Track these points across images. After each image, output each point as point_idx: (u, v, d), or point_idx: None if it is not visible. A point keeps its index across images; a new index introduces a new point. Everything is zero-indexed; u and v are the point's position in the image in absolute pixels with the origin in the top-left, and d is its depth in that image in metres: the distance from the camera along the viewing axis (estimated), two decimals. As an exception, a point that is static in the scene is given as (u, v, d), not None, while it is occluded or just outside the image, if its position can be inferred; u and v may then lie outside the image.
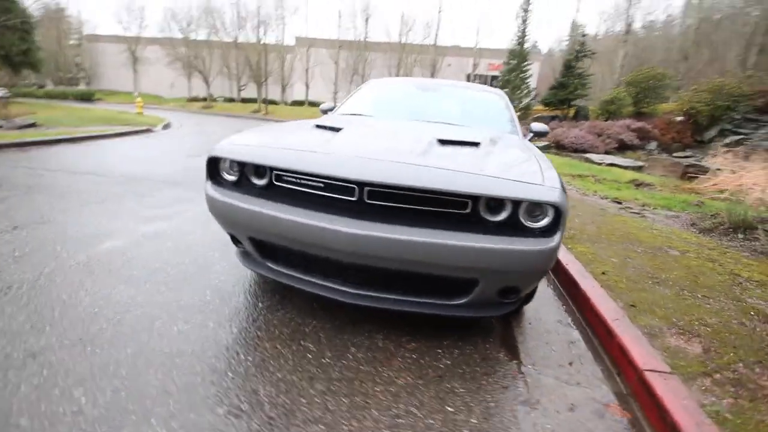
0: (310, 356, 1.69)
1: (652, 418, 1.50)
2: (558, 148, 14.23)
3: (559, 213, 1.57)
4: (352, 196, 1.63)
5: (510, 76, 17.26)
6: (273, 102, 29.12)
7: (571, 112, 18.53)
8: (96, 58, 37.71)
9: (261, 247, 1.90)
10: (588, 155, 13.00)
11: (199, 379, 1.49)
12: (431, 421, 1.39)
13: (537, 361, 1.81)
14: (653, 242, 3.30)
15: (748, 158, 10.33)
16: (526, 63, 17.33)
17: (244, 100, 31.47)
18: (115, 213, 3.34)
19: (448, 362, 1.74)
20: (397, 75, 28.48)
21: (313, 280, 1.83)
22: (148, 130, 10.88)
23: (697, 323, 1.99)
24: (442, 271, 1.62)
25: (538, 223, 1.61)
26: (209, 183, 1.93)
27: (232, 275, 2.36)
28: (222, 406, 1.37)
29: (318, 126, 2.22)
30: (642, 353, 1.74)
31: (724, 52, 19.41)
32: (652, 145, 15.25)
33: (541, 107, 20.16)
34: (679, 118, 16.08)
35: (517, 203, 1.59)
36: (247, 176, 1.88)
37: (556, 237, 1.58)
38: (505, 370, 1.73)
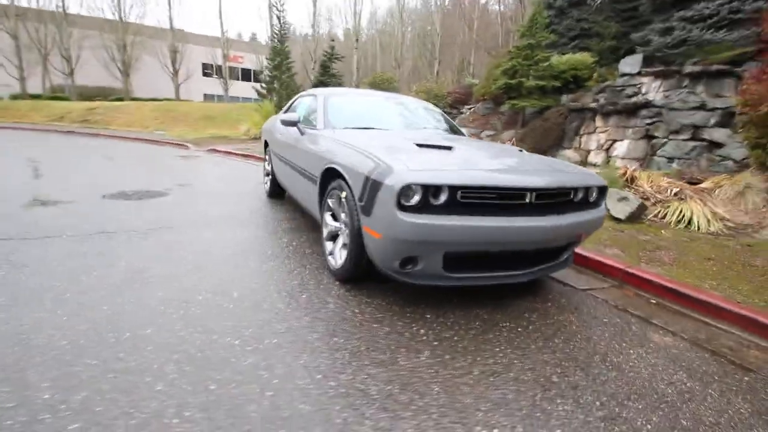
0: (520, 339, 2.15)
1: (647, 288, 2.87)
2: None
3: (605, 190, 2.67)
4: (525, 200, 2.18)
5: (277, 72, 17.67)
6: None
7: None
8: None
9: (446, 261, 2.10)
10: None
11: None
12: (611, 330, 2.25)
13: (576, 284, 2.91)
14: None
15: (464, 140, 15.53)
16: (289, 60, 18.13)
17: None
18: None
19: (567, 303, 2.60)
20: (122, 59, 23.09)
21: (492, 274, 2.25)
22: None
23: (607, 242, 3.64)
24: (572, 238, 2.45)
25: (593, 198, 2.66)
26: (397, 210, 1.93)
27: (355, 312, 2.29)
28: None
29: (420, 145, 2.46)
30: (615, 261, 3.16)
31: (421, 64, 26.98)
32: (399, 133, 19.66)
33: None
34: (410, 112, 20.87)
35: (589, 188, 2.58)
36: (427, 198, 2.02)
37: (604, 205, 2.68)
38: (574, 294, 2.75)
